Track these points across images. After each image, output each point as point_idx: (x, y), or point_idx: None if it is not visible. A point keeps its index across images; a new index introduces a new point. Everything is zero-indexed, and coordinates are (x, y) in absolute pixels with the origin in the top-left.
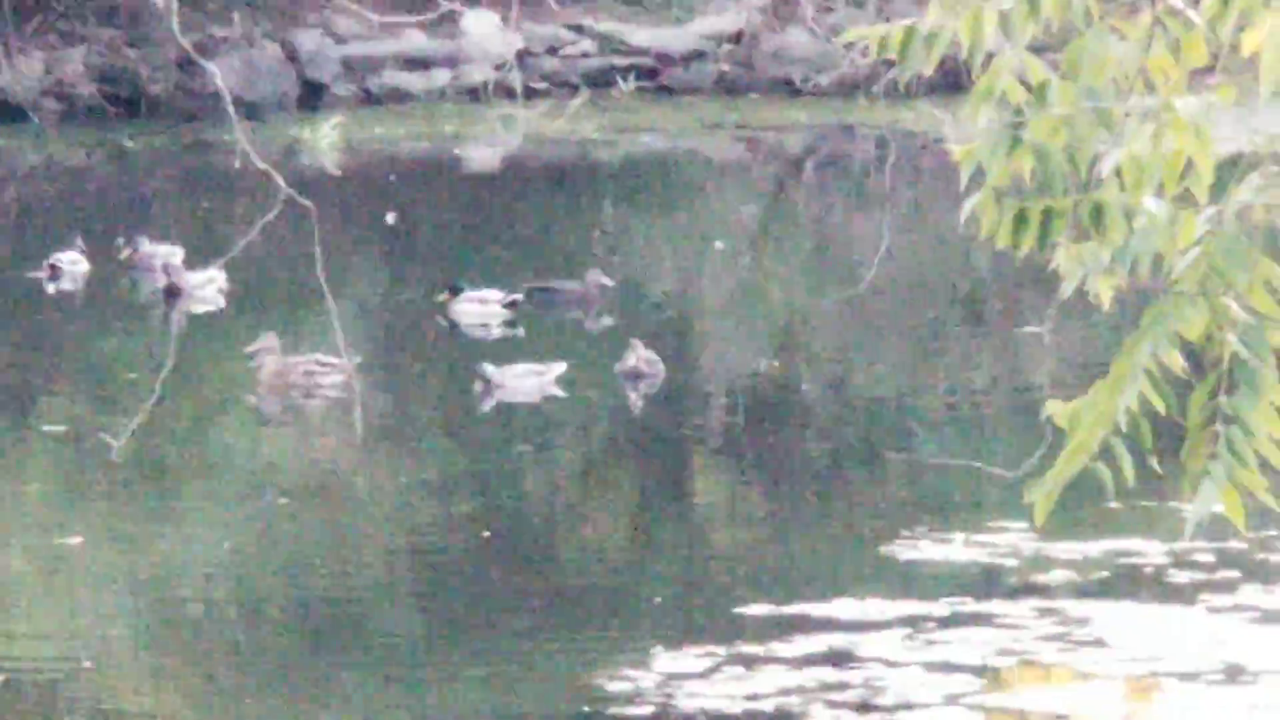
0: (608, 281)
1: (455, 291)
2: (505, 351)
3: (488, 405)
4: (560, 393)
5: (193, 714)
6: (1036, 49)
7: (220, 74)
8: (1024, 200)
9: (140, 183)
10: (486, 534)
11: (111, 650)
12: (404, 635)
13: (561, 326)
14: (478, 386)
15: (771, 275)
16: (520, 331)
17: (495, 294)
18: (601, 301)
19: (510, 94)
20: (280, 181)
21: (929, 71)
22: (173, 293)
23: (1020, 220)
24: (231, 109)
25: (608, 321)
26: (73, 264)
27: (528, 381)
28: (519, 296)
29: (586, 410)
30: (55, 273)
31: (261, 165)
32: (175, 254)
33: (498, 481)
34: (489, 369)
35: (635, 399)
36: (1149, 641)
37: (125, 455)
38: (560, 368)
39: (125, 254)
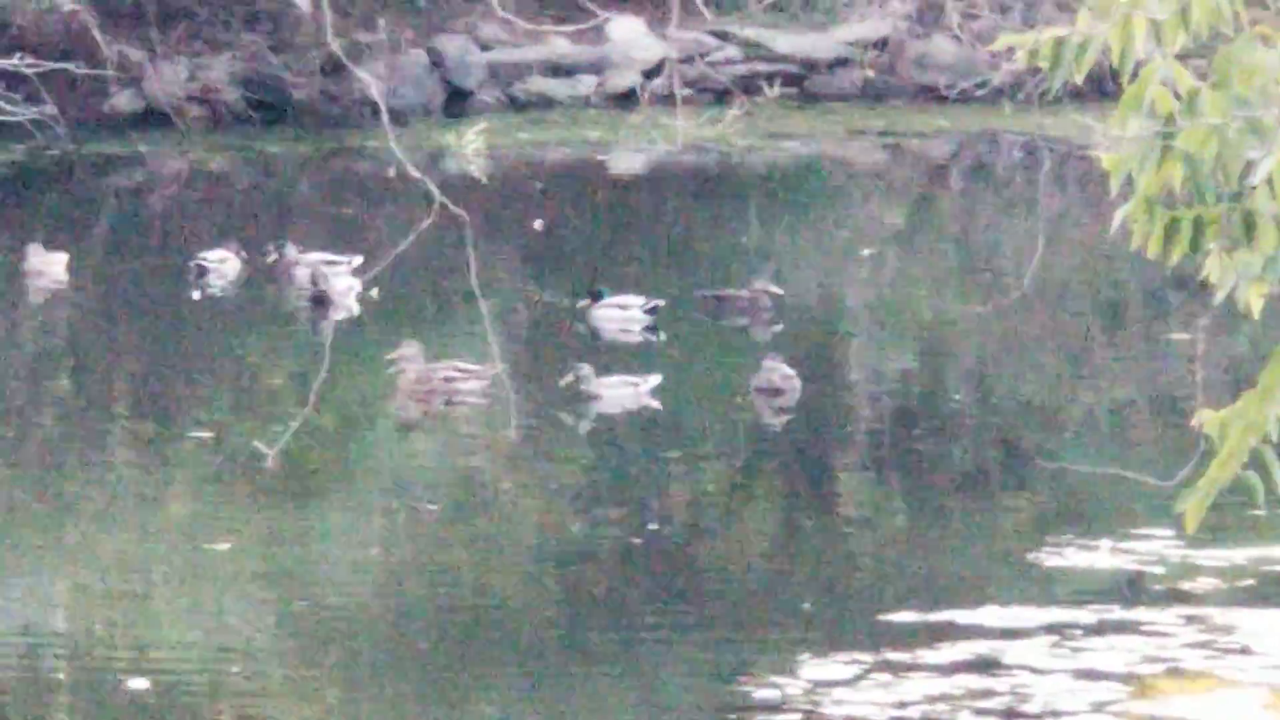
0: (776, 289)
1: (596, 297)
2: (647, 358)
3: (583, 406)
4: (655, 404)
5: (339, 718)
6: (1181, 56)
7: (372, 82)
8: (1175, 210)
9: (284, 189)
10: (636, 540)
11: (257, 656)
12: (549, 641)
13: (703, 334)
14: (567, 378)
15: (916, 283)
16: (662, 337)
17: (636, 299)
18: (770, 309)
19: (655, 100)
20: (434, 190)
21: (1079, 80)
22: (320, 300)
23: (1171, 229)
24: (386, 118)
25: (776, 329)
26: (220, 262)
27: (622, 392)
28: (660, 302)
29: (730, 419)
30: (201, 271)
31: (416, 173)
32: (348, 262)
33: (643, 489)
34: (583, 368)
35: (779, 407)
36: None
37: (272, 462)
38: (655, 379)
39: (272, 259)
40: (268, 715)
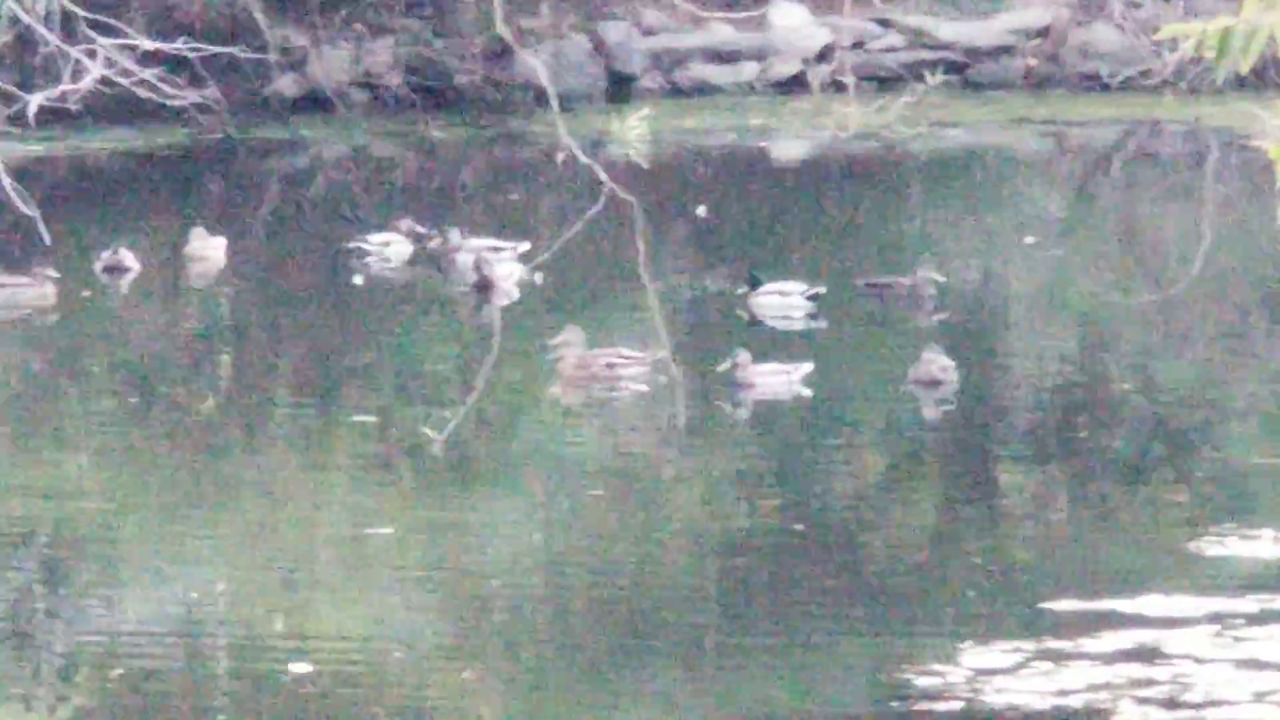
0: (939, 277)
1: (755, 284)
2: (807, 345)
3: (739, 393)
4: (807, 392)
5: (499, 704)
6: None
7: (541, 68)
8: None
9: (447, 174)
10: (797, 528)
11: (418, 643)
12: (709, 628)
13: (864, 322)
14: (725, 364)
15: (1079, 271)
16: (823, 324)
17: (796, 286)
18: (932, 297)
19: (825, 88)
20: (603, 176)
21: (1245, 69)
22: (483, 286)
23: None
24: (556, 104)
25: (939, 317)
26: (383, 245)
27: (775, 380)
28: (821, 289)
29: (889, 408)
30: (361, 254)
31: (585, 159)
32: (513, 248)
33: (803, 478)
34: (742, 354)
35: (938, 398)
36: None
37: (439, 447)
38: (807, 368)
39: (434, 243)
40: (427, 701)
